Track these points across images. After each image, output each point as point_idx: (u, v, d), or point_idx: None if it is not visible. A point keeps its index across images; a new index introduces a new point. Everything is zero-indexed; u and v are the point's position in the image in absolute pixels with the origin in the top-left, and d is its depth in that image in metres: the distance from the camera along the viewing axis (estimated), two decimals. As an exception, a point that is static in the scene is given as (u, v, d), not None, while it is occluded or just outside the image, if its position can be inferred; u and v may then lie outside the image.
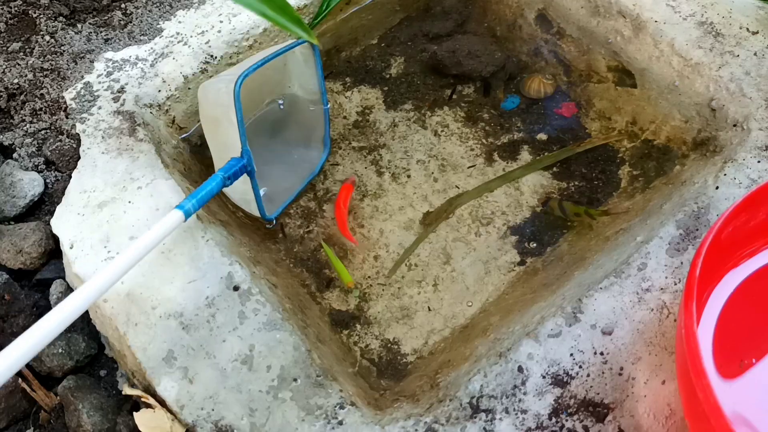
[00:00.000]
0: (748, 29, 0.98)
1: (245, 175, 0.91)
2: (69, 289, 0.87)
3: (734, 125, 0.92)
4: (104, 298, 0.81)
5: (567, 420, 0.73)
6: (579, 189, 1.02)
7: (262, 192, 0.95)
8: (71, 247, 0.85)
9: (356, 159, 1.08)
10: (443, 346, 0.90)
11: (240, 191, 0.95)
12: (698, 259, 0.62)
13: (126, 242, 0.85)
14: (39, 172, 0.96)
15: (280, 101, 1.08)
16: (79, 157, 0.93)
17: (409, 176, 1.06)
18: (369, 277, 0.97)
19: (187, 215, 0.82)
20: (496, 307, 0.90)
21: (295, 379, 0.77)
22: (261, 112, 1.07)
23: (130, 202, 0.88)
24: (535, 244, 0.98)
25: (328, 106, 1.05)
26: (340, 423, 0.74)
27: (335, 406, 0.75)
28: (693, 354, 0.57)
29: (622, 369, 0.75)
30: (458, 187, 1.04)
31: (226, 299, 0.82)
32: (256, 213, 0.95)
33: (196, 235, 0.86)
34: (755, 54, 0.95)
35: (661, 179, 0.97)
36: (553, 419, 0.73)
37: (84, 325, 0.87)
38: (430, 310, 0.93)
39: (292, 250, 0.99)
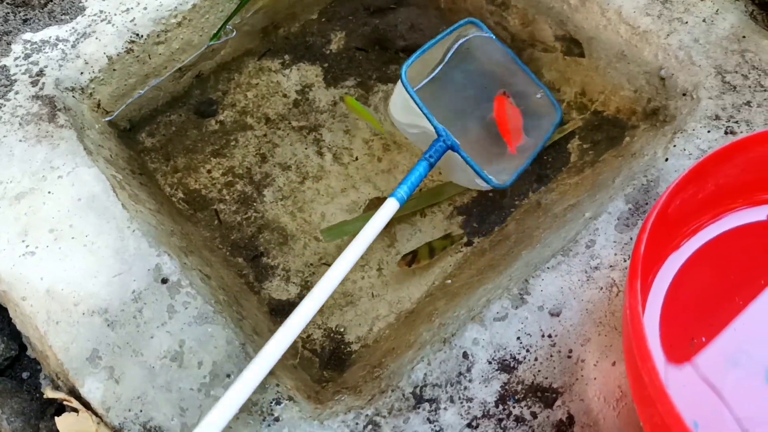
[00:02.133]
0: (696, -6, 0.95)
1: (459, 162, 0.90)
2: (-14, 288, 0.82)
3: (684, 94, 0.90)
4: (23, 296, 0.77)
5: (514, 407, 0.71)
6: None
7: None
8: (-14, 243, 0.80)
9: (296, 140, 1.04)
10: (388, 333, 0.86)
11: (461, 178, 0.94)
12: (643, 236, 0.59)
13: (46, 235, 0.80)
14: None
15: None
16: (-5, 147, 0.87)
17: (351, 156, 1.03)
18: (311, 264, 0.93)
19: (402, 202, 0.84)
20: (442, 291, 0.87)
21: (228, 375, 0.73)
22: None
23: (50, 192, 0.83)
24: (481, 224, 0.95)
25: (528, 69, 1.03)
26: (277, 419, 0.71)
27: (271, 402, 0.72)
28: (638, 337, 0.55)
29: (571, 351, 0.73)
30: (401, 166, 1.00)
31: (154, 293, 0.77)
32: (488, 187, 0.93)
33: (122, 226, 0.81)
34: (704, 20, 0.93)
35: (611, 152, 0.95)
36: (500, 406, 0.71)
37: (4, 325, 0.82)
38: (374, 296, 0.90)
39: (228, 237, 0.95)
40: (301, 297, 0.90)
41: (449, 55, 1.02)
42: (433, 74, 1.02)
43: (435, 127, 0.89)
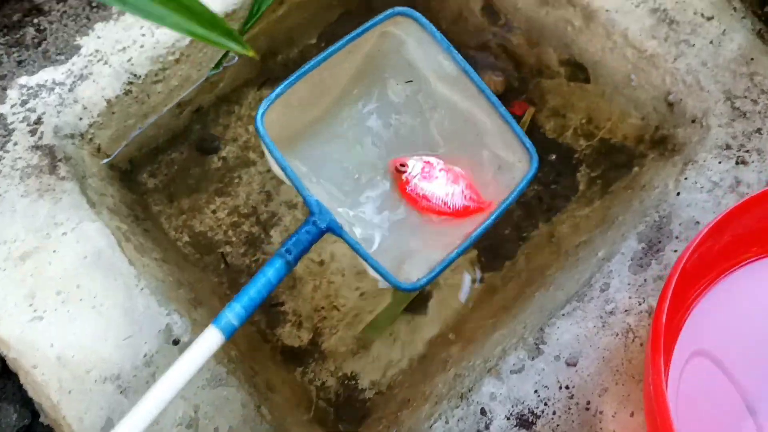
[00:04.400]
0: (702, 14, 0.92)
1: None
2: (-3, 353, 0.80)
3: (693, 121, 0.88)
4: (33, 364, 0.75)
5: (534, 464, 0.70)
6: (536, 194, 0.97)
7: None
8: (-6, 307, 0.78)
9: (300, 173, 1.01)
10: (402, 379, 0.85)
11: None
12: (663, 305, 0.58)
13: (53, 297, 0.78)
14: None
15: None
16: (-4, 203, 0.85)
17: (357, 187, 1.00)
18: (321, 308, 0.91)
19: (229, 333, 0.61)
20: (455, 334, 0.86)
21: (245, 441, 0.72)
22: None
23: (54, 251, 0.81)
24: (491, 259, 0.93)
25: (488, 90, 0.73)
26: (297, 485, 0.70)
27: (291, 465, 0.71)
28: (662, 415, 0.53)
29: (589, 403, 0.72)
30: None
31: (165, 355, 0.76)
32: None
33: (130, 284, 0.79)
34: (711, 42, 0.90)
35: (620, 182, 0.92)
36: (520, 466, 0.70)
37: (15, 390, 0.81)
38: (387, 337, 0.88)
39: (237, 281, 0.93)
40: (313, 343, 0.89)
41: (362, 72, 0.77)
42: (327, 106, 0.76)
43: (305, 199, 0.65)
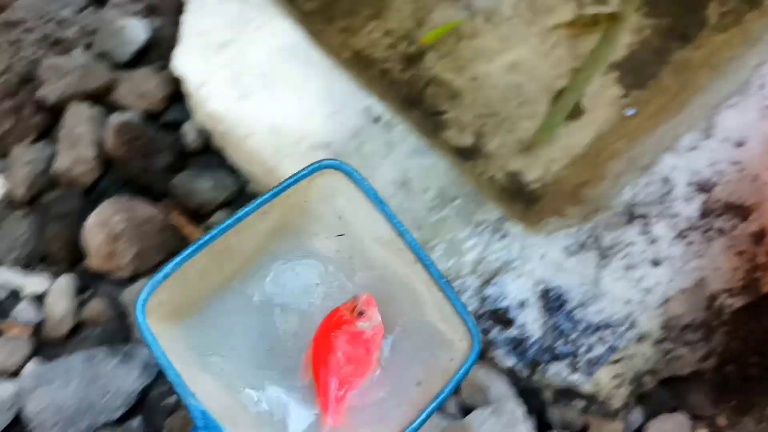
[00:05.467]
0: None
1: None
2: (202, 130, 0.90)
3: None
4: (246, 134, 0.86)
5: (715, 220, 0.83)
6: (670, 25, 1.09)
7: None
8: (202, 87, 0.88)
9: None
10: (566, 173, 0.97)
11: None
12: None
13: (256, 79, 0.88)
14: (142, 17, 0.97)
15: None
16: (181, 3, 0.94)
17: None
18: (482, 114, 1.02)
19: None
20: (615, 135, 0.98)
21: (453, 199, 0.83)
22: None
23: (251, 41, 0.91)
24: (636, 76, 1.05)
25: (427, 258, 0.65)
26: (504, 235, 0.82)
27: (497, 220, 0.83)
28: None
29: (757, 175, 0.85)
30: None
31: (369, 130, 0.87)
32: None
33: (326, 72, 0.90)
34: None
35: (754, 12, 1.05)
36: (703, 220, 0.83)
37: (222, 161, 0.91)
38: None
39: (400, 93, 1.03)
40: (476, 145, 1.00)
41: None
42: (236, 269, 0.66)
43: (187, 407, 0.56)
